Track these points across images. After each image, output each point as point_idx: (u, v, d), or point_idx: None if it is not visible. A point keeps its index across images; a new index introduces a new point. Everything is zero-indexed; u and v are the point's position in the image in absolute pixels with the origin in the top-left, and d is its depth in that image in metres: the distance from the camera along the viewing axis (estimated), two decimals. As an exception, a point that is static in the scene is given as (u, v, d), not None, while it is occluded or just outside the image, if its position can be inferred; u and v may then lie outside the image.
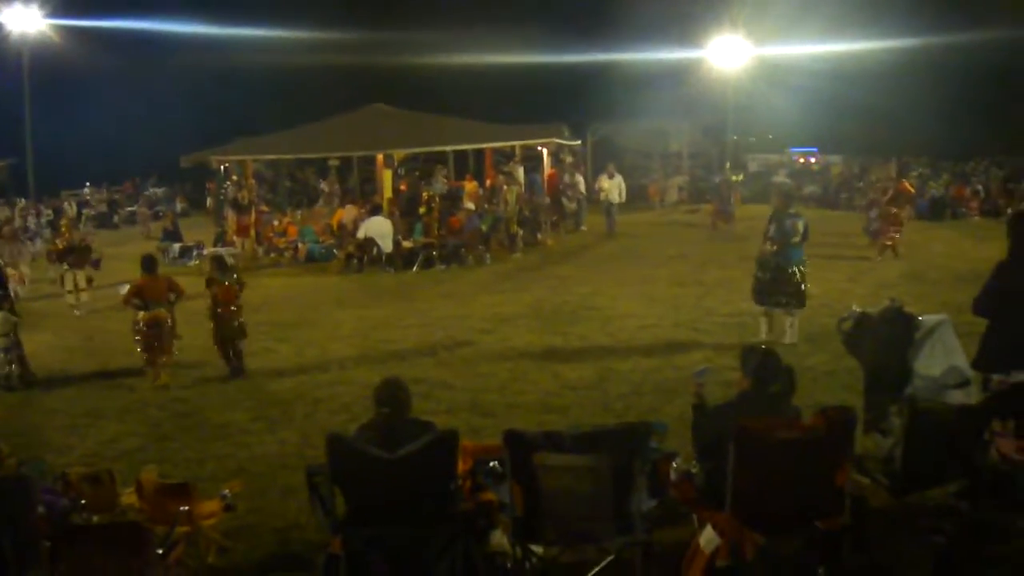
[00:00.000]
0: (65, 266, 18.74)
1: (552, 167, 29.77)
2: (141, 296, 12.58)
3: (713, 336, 13.75)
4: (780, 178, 35.95)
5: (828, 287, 16.71)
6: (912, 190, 23.65)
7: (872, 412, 7.80)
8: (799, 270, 12.93)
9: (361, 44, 42.28)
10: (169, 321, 12.72)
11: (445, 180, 28.80)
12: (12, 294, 15.83)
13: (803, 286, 12.99)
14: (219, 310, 12.74)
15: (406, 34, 43.02)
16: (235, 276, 13.19)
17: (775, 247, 12.84)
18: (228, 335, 12.79)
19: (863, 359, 8.46)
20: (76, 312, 18.25)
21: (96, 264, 19.67)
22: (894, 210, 20.80)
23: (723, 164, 36.86)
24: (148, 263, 12.83)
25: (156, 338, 12.57)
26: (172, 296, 12.81)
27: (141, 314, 12.57)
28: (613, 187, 27.01)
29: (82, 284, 18.61)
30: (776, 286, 12.95)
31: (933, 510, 6.71)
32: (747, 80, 37.78)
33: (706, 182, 37.31)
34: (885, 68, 36.18)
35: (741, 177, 35.36)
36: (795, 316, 13.02)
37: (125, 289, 13.01)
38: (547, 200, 28.30)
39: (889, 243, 20.63)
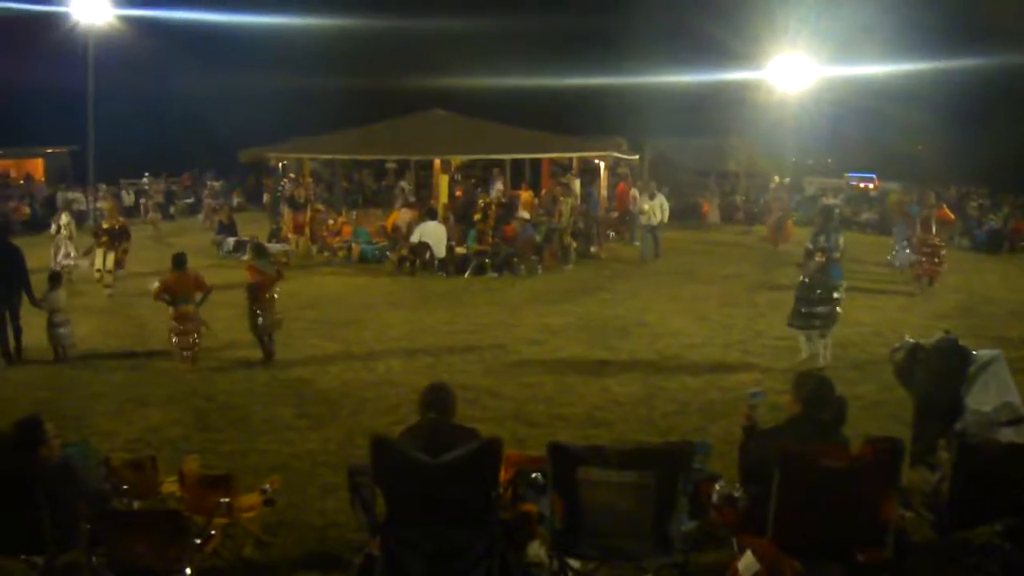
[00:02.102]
0: (99, 245, 19.45)
1: (621, 181, 29.75)
2: (170, 292, 13.08)
3: (762, 359, 13.61)
4: (829, 199, 35.52)
5: (881, 316, 16.53)
6: (952, 218, 22.54)
7: (920, 445, 7.72)
8: (838, 290, 12.82)
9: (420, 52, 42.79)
10: (198, 316, 13.21)
11: (503, 186, 28.80)
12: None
13: (837, 308, 12.83)
14: (254, 295, 13.31)
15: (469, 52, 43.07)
16: (272, 263, 13.58)
17: (823, 258, 12.75)
18: (264, 326, 13.37)
19: (913, 390, 8.35)
20: (107, 291, 18.76)
21: (121, 256, 19.89)
22: (936, 240, 19.71)
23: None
24: (178, 260, 13.37)
25: (185, 332, 13.05)
26: (199, 295, 13.30)
27: (171, 310, 13.09)
28: (655, 208, 24.88)
29: (109, 266, 19.19)
30: (812, 305, 12.82)
31: (977, 549, 6.59)
32: (808, 102, 37.42)
33: (756, 204, 36.85)
34: (946, 93, 35.75)
35: (786, 180, 34.53)
36: (827, 338, 12.91)
37: (156, 284, 13.38)
38: (614, 214, 28.32)
39: (926, 275, 19.58)
